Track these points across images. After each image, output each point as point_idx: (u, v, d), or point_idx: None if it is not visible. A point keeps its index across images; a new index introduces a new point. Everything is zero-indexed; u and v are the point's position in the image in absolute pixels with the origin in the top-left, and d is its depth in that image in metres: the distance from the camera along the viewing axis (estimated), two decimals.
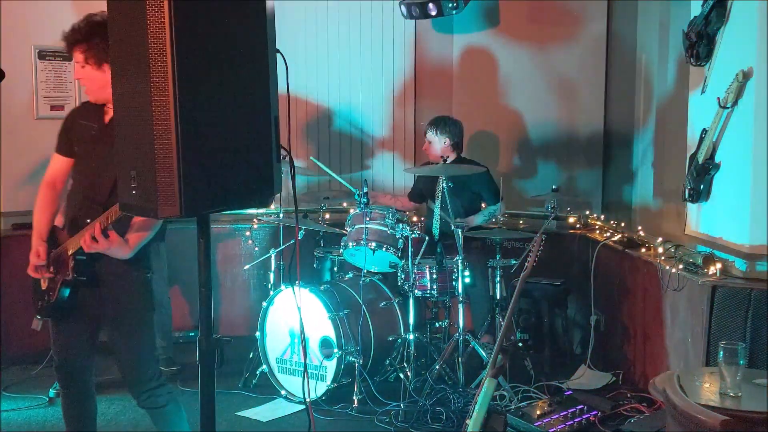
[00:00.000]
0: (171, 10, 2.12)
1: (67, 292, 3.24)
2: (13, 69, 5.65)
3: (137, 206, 2.30)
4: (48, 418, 4.79)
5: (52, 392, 5.03)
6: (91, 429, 3.54)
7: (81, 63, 3.24)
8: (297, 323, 4.91)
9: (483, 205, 5.59)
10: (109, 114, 3.29)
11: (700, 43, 4.20)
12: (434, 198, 5.31)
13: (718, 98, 4.01)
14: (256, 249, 6.44)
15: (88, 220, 3.19)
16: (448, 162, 5.39)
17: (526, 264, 3.71)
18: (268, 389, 5.08)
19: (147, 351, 3.36)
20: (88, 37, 3.20)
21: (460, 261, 4.79)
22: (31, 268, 3.34)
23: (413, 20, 6.40)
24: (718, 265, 4.08)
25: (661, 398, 3.11)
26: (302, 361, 4.93)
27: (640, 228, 5.34)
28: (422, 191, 5.88)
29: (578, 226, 6.18)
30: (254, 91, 2.33)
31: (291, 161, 2.51)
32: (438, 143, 5.59)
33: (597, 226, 6.07)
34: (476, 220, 5.50)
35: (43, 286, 3.32)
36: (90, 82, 3.26)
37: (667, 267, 4.49)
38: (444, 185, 4.94)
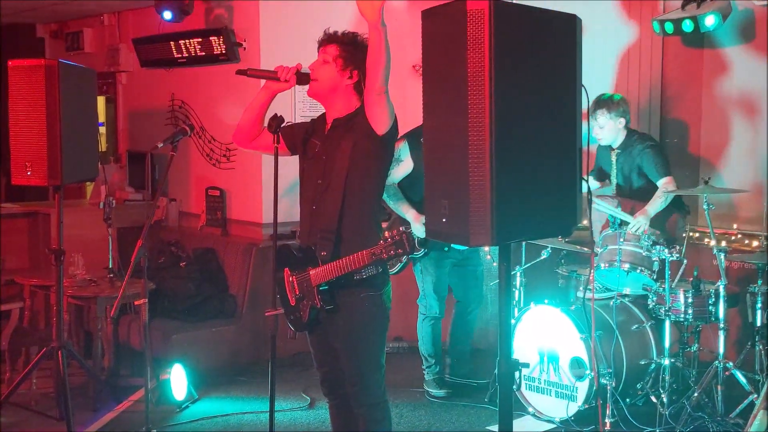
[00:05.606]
0: (491, 50, 2.24)
1: (314, 314, 3.43)
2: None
3: (447, 234, 2.45)
4: (311, 420, 5.12)
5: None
6: None
7: (328, 59, 3.36)
8: (547, 342, 4.95)
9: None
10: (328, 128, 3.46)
11: None
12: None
13: None
14: (495, 264, 6.53)
15: (324, 253, 3.34)
16: (618, 145, 5.17)
17: None
18: (515, 405, 5.13)
19: (371, 370, 3.47)
20: (348, 43, 3.37)
21: (722, 287, 4.60)
22: None
23: (661, 36, 6.25)
24: None
25: None
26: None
27: None
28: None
29: None
30: (563, 122, 2.42)
31: (588, 191, 2.56)
32: (613, 126, 5.09)
33: None
34: (653, 207, 5.08)
35: (291, 302, 3.49)
36: (325, 78, 3.36)
37: None
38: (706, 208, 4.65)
